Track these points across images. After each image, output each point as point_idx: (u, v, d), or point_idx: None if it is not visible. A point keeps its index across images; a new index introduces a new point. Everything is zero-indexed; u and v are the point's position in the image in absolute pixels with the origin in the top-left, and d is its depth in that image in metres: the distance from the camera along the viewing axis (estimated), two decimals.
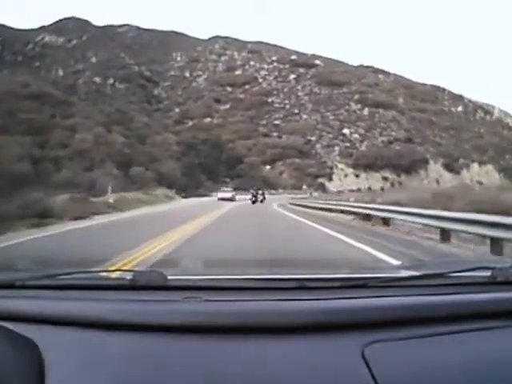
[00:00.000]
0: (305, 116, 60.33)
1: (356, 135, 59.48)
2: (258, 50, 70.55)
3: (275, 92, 62.66)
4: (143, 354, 0.71)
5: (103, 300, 0.89)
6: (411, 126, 62.79)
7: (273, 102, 61.31)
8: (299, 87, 64.72)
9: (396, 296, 0.85)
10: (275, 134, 55.65)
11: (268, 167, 50.61)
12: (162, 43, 68.31)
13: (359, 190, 50.61)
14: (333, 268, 1.54)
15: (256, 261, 3.09)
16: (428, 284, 0.92)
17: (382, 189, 50.43)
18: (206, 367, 0.68)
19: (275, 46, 72.79)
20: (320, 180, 50.94)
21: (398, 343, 0.73)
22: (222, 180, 42.08)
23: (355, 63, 72.67)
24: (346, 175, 54.05)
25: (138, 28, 72.76)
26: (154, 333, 0.75)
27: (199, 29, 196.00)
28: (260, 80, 64.70)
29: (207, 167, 41.74)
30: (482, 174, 63.28)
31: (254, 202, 19.97)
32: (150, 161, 33.23)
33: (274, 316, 0.77)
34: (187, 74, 65.66)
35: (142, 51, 64.53)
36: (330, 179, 52.20)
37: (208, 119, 54.94)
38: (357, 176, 54.51)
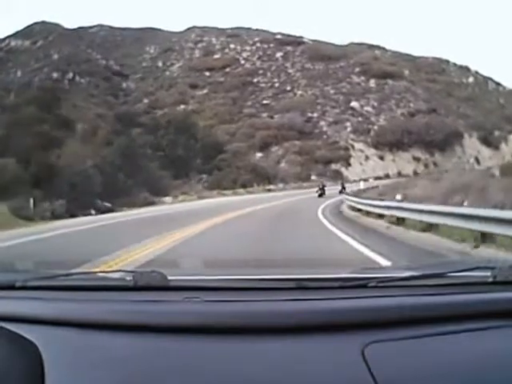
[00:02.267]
0: (300, 92, 62.08)
1: (368, 108, 61.01)
2: (238, 34, 75.72)
3: (261, 71, 65.61)
4: (143, 354, 0.87)
5: (103, 301, 1.09)
6: (429, 96, 66.41)
7: (258, 81, 63.75)
8: (288, 64, 68.00)
9: (396, 296, 1.04)
10: (265, 114, 55.59)
11: (259, 154, 48.85)
12: (136, 39, 74.64)
13: (388, 176, 51.64)
14: (333, 268, 1.82)
15: (256, 261, 3.53)
16: (428, 284, 1.11)
17: (416, 173, 51.00)
18: (206, 367, 0.83)
19: (257, 30, 78.62)
20: (334, 166, 49.66)
21: (397, 343, 0.88)
22: (197, 176, 40.20)
23: (344, 43, 78.44)
24: (366, 157, 53.16)
25: (111, 27, 79.89)
26: (155, 333, 0.91)
27: (175, 23, 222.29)
28: (242, 62, 68.22)
29: (173, 160, 36.43)
30: None
31: (320, 196, 26.06)
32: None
33: (273, 316, 0.94)
34: (160, 64, 70.05)
35: (114, 48, 70.88)
36: (348, 164, 50.76)
37: (182, 106, 56.20)
38: (381, 158, 54.07)
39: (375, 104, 61.15)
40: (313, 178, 45.91)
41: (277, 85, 63.28)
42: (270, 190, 33.69)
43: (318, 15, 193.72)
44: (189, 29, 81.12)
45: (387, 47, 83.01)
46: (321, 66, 67.92)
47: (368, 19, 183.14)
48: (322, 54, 69.02)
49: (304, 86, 62.68)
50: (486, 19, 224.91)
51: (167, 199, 24.45)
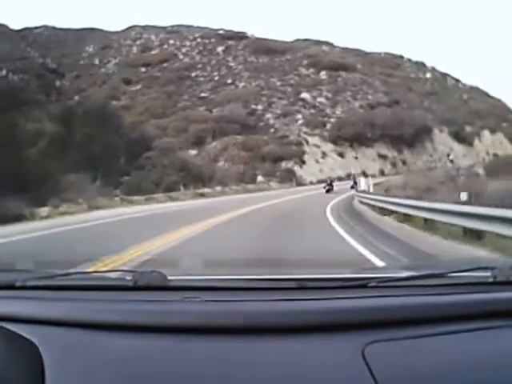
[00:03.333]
0: (242, 83, 65.01)
1: (322, 99, 63.08)
2: (178, 31, 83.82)
3: (200, 66, 70.52)
4: (143, 354, 0.99)
5: (103, 300, 1.24)
6: (389, 89, 70.74)
7: (197, 75, 68.19)
8: (230, 58, 72.75)
9: (396, 296, 1.18)
10: (203, 108, 57.32)
11: (193, 152, 48.19)
12: (77, 39, 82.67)
13: (349, 176, 49.75)
14: (333, 268, 2.11)
15: (256, 261, 4.07)
16: (428, 284, 1.27)
17: (383, 173, 53.25)
18: (206, 367, 0.94)
19: (198, 27, 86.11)
20: (285, 164, 48.69)
21: (397, 343, 1.00)
22: (117, 180, 35.37)
23: (289, 39, 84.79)
24: (324, 154, 53.38)
25: (55, 28, 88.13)
26: (154, 333, 1.05)
27: (118, 23, 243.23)
28: (181, 56, 73.74)
29: (89, 159, 32.55)
30: (496, 145, 71.91)
31: (327, 191, 29.49)
32: None
33: (274, 316, 1.08)
34: (96, 62, 76.36)
35: (55, 47, 78.06)
36: (302, 162, 50.08)
37: (113, 102, 57.93)
38: (341, 155, 54.65)
39: (329, 95, 63.73)
40: (259, 179, 44.85)
41: (216, 78, 66.86)
42: (202, 195, 30.19)
43: (262, 13, 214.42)
44: (130, 27, 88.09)
45: (335, 43, 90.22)
46: (265, 59, 71.53)
47: (313, 17, 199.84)
48: (267, 47, 73.34)
49: (247, 78, 65.84)
50: (439, 16, 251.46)
51: (43, 211, 18.71)
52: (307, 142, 53.55)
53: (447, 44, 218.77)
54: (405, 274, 1.46)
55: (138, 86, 65.60)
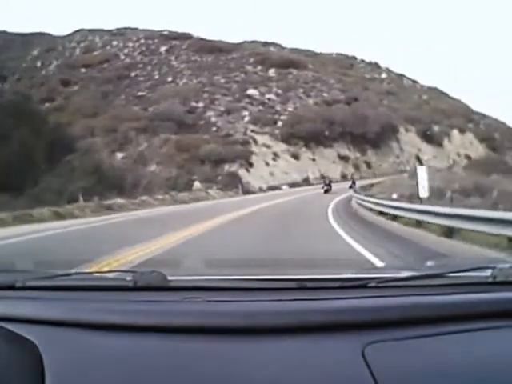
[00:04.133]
0: (184, 80, 68.10)
1: (271, 95, 63.66)
2: (123, 33, 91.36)
3: (140, 65, 75.04)
4: (143, 354, 1.09)
5: (103, 301, 1.37)
6: (344, 87, 73.74)
7: (137, 75, 71.92)
8: (172, 58, 77.33)
9: (396, 296, 1.31)
10: (139, 107, 58.71)
11: (121, 154, 46.59)
12: (24, 43, 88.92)
13: (308, 182, 47.47)
14: (333, 268, 2.31)
15: (256, 261, 4.44)
16: (428, 284, 1.41)
17: (345, 176, 52.97)
18: (206, 367, 1.04)
19: (144, 29, 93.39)
20: (228, 167, 45.97)
21: (398, 343, 1.11)
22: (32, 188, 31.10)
23: (235, 41, 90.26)
24: (275, 155, 51.55)
25: (5, 32, 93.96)
26: (155, 333, 1.15)
27: (66, 27, 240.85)
28: (122, 57, 78.95)
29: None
30: (467, 145, 74.14)
31: (326, 192, 32.84)
32: None
33: (274, 316, 1.19)
34: (38, 64, 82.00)
35: (3, 51, 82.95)
36: (249, 164, 47.50)
37: (47, 104, 60.27)
38: (295, 157, 53.44)
39: (279, 91, 64.83)
40: (197, 185, 41.54)
41: (156, 77, 69.68)
42: (110, 209, 23.12)
43: (209, 16, 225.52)
44: (77, 31, 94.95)
45: (284, 45, 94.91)
46: (210, 58, 75.08)
47: (261, 20, 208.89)
48: (212, 46, 77.96)
49: (189, 75, 68.85)
50: (392, 17, 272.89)
51: None
52: (255, 141, 51.94)
53: (401, 46, 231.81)
54: (405, 274, 1.60)
55: (76, 87, 68.57)
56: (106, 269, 5.86)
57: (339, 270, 1.97)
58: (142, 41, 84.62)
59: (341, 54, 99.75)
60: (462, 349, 1.12)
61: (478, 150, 74.18)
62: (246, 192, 40.38)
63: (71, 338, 1.19)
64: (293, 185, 45.78)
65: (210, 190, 37.45)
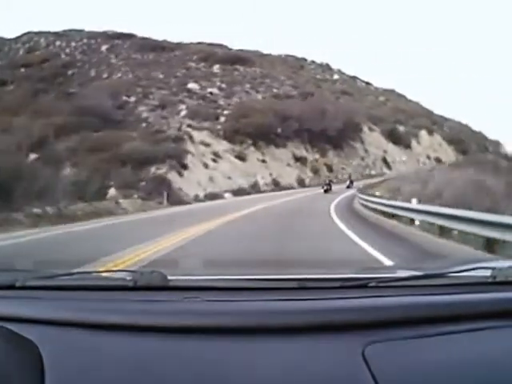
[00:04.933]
0: (119, 75, 68.89)
1: (214, 89, 62.29)
2: (69, 34, 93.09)
3: (79, 64, 76.50)
4: (143, 354, 1.15)
5: (103, 300, 1.45)
6: (297, 83, 73.55)
7: (74, 73, 72.97)
8: (113, 56, 78.63)
9: (396, 296, 1.39)
10: (67, 103, 54.40)
11: (34, 155, 37.66)
12: None
13: (256, 187, 39.16)
14: (333, 268, 2.41)
15: (256, 261, 4.62)
16: (428, 284, 1.50)
17: (302, 183, 49.77)
18: (206, 367, 1.10)
19: (91, 31, 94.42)
20: (155, 170, 38.52)
21: (397, 343, 1.17)
22: None
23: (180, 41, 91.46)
24: (216, 156, 45.29)
25: None
26: (155, 333, 1.22)
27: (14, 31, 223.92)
28: (63, 56, 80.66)
29: None
30: (436, 148, 73.38)
31: (326, 191, 36.46)
32: None
33: (274, 316, 1.26)
34: None
35: None
36: (183, 167, 40.12)
37: None
38: (241, 158, 47.32)
39: (223, 86, 64.04)
40: (112, 193, 33.43)
41: (93, 74, 70.53)
42: None
43: (155, 17, 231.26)
44: (25, 34, 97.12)
45: (230, 46, 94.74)
46: (151, 56, 76.66)
47: (208, 23, 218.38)
48: (155, 44, 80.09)
49: (125, 71, 69.12)
50: (342, 19, 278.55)
51: None
52: (191, 137, 45.56)
53: (354, 48, 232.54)
54: (405, 274, 1.71)
55: (12, 87, 68.18)
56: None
57: (340, 269, 2.05)
58: (85, 40, 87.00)
59: (290, 55, 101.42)
60: (462, 349, 1.18)
61: (448, 153, 74.09)
62: (177, 202, 31.51)
63: (71, 338, 1.25)
64: (238, 192, 40.10)
65: (121, 200, 28.59)
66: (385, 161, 63.57)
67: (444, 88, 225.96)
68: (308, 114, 52.98)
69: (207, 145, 45.40)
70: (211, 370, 1.11)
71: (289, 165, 50.91)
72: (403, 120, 74.05)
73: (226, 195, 38.01)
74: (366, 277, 1.63)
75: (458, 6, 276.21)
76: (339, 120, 55.21)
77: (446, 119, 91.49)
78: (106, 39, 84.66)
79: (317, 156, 55.25)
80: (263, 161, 48.56)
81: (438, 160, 68.25)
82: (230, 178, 42.45)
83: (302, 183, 49.01)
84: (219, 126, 49.66)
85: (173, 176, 37.96)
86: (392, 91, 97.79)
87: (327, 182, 38.60)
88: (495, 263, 1.77)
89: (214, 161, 44.16)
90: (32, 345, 1.20)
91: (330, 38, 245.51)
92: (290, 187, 45.02)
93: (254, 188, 42.17)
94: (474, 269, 1.58)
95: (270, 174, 47.00)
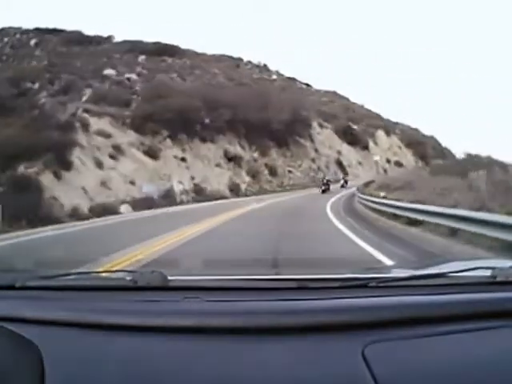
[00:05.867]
0: (34, 63, 66.08)
1: (132, 75, 58.35)
2: (7, 31, 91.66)
3: (4, 57, 74.52)
4: (143, 354, 1.23)
5: (103, 301, 1.52)
6: (233, 76, 71.65)
7: None
8: (38, 49, 76.86)
9: (396, 296, 1.46)
10: None
11: None
12: None
13: (169, 197, 31.64)
14: (333, 268, 2.42)
15: (256, 261, 4.63)
16: (428, 284, 1.57)
17: (236, 190, 40.95)
18: (206, 368, 1.17)
19: (27, 29, 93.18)
20: (24, 169, 27.66)
21: (398, 343, 1.24)
22: None
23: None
24: (117, 150, 35.57)
25: None
26: (155, 333, 1.30)
27: None
28: None
29: None
30: (396, 150, 69.70)
31: (323, 191, 36.59)
32: None
33: (274, 316, 1.33)
34: None
35: None
36: (65, 165, 29.84)
37: None
38: (152, 155, 37.72)
39: (145, 72, 60.85)
40: None
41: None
42: None
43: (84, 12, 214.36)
44: None
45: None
46: (78, 49, 73.29)
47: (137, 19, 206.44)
48: (82, 38, 78.10)
49: (41, 61, 65.20)
50: (279, 20, 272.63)
51: None
52: (86, 125, 35.37)
53: (291, 51, 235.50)
54: (405, 274, 1.76)
55: None
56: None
57: (339, 269, 2.11)
58: (18, 36, 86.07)
59: (226, 55, 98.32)
60: (462, 349, 1.24)
61: (408, 157, 70.70)
62: (39, 220, 19.95)
63: (71, 338, 1.31)
64: (143, 203, 29.57)
65: None
66: (340, 164, 59.49)
67: (388, 92, 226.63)
68: (246, 102, 46.19)
69: (107, 135, 36.24)
70: (211, 370, 1.16)
71: (218, 165, 42.74)
72: (357, 118, 71.77)
73: (123, 208, 27.68)
74: (366, 277, 1.70)
75: (398, 7, 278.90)
76: (285, 111, 49.57)
77: (394, 122, 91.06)
78: (36, 34, 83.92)
79: (256, 155, 48.06)
80: (183, 159, 39.85)
81: (399, 164, 65.49)
82: (132, 182, 32.81)
83: (235, 190, 41.17)
84: (127, 113, 40.97)
85: (47, 178, 27.66)
86: (334, 93, 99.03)
87: (325, 181, 38.21)
88: (495, 263, 1.85)
89: (113, 157, 35.05)
90: (32, 345, 1.26)
91: (267, 41, 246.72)
92: (220, 196, 36.79)
93: (167, 198, 32.21)
94: (474, 269, 1.66)
95: (192, 178, 38.33)
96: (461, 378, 1.13)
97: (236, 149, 46.04)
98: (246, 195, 39.09)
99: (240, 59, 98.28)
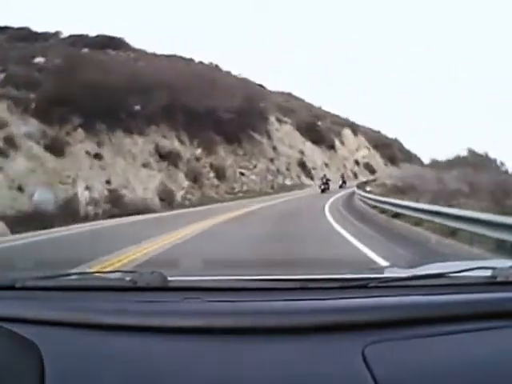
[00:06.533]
0: None
1: (60, 61, 51.28)
2: None
3: None
4: (143, 355, 1.29)
5: (103, 301, 1.60)
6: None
7: None
8: None
9: (396, 296, 1.53)
10: None
11: None
12: None
13: (71, 209, 22.39)
14: (333, 268, 2.54)
15: (256, 261, 4.75)
16: (428, 284, 1.63)
17: (170, 200, 31.78)
18: (206, 368, 1.24)
19: None
20: None
21: (398, 343, 1.31)
22: None
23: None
24: (8, 144, 24.34)
25: None
26: (154, 334, 1.37)
27: None
28: None
29: None
30: (364, 151, 65.74)
31: (323, 191, 37.48)
32: None
33: (274, 316, 1.40)
34: None
35: None
36: None
37: None
38: (56, 152, 27.20)
39: None
40: None
41: None
42: None
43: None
44: None
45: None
46: (22, 45, 66.49)
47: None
48: (32, 34, 72.71)
49: None
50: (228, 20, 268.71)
51: None
52: None
53: (242, 52, 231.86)
54: (405, 274, 1.82)
55: None
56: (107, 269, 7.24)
57: (340, 270, 2.21)
58: None
59: (176, 55, 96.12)
60: (461, 349, 1.30)
61: (377, 159, 66.83)
62: None
63: (71, 338, 1.38)
64: (31, 218, 18.66)
65: None
66: (303, 165, 55.64)
67: (346, 93, 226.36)
68: (188, 84, 38.64)
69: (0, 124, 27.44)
70: (211, 371, 1.23)
71: (147, 165, 32.94)
72: (320, 115, 67.21)
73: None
74: (366, 277, 1.78)
75: (351, 7, 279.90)
76: (237, 97, 42.18)
77: (356, 124, 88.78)
78: None
79: (199, 152, 39.21)
80: (97, 156, 29.97)
81: (369, 167, 61.92)
82: (21, 188, 23.14)
83: (168, 198, 31.25)
84: (34, 95, 31.36)
85: None
86: (289, 94, 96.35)
87: (324, 180, 37.37)
88: (495, 263, 1.93)
89: (1, 153, 25.06)
90: (32, 345, 1.32)
91: (218, 42, 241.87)
92: (144, 207, 25.90)
93: (66, 209, 22.85)
94: (474, 269, 1.73)
95: (107, 182, 28.04)
96: (461, 378, 1.19)
97: (173, 143, 36.91)
98: (184, 205, 30.15)
99: (191, 59, 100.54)
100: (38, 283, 1.75)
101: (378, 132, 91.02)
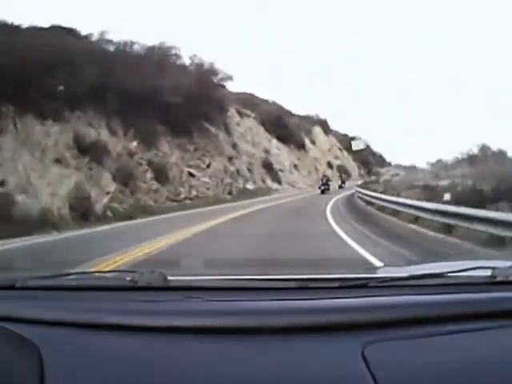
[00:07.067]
0: None
1: None
2: None
3: None
4: (143, 354, 1.33)
5: (103, 301, 1.64)
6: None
7: None
8: None
9: (395, 295, 1.58)
10: None
11: None
12: None
13: None
14: (333, 268, 2.61)
15: (256, 261, 4.81)
16: (428, 284, 1.68)
17: (83, 209, 23.62)
18: (206, 368, 1.28)
19: None
20: None
21: (398, 343, 1.35)
22: None
23: None
24: None
25: None
26: (155, 333, 1.41)
27: None
28: None
29: None
30: (336, 153, 65.25)
31: (323, 192, 37.10)
32: None
33: (274, 316, 1.44)
34: None
35: None
36: None
37: None
38: None
39: None
40: None
41: None
42: None
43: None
44: None
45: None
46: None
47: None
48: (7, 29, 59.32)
49: None
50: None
51: None
52: None
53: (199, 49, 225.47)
54: (405, 273, 1.83)
55: None
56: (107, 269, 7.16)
57: (339, 269, 2.23)
58: None
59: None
60: (461, 349, 1.33)
61: (350, 162, 66.55)
62: None
63: (71, 338, 1.41)
64: None
65: None
66: (268, 167, 50.81)
67: (311, 95, 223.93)
68: (125, 60, 30.95)
69: None
70: (211, 370, 1.26)
71: (61, 160, 23.72)
72: (286, 113, 63.79)
73: None
74: (366, 277, 1.84)
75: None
76: (190, 78, 35.33)
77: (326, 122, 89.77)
78: None
79: (134, 145, 30.94)
80: None
81: (345, 171, 59.53)
82: None
83: (83, 208, 20.97)
84: None
85: None
86: (251, 95, 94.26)
87: (324, 180, 36.31)
88: (495, 263, 1.96)
89: None
90: (32, 345, 1.35)
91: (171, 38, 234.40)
92: (42, 222, 16.97)
93: None
94: (473, 268, 1.76)
95: (1, 183, 19.39)
96: (460, 378, 1.22)
97: (99, 133, 28.06)
98: (106, 218, 20.99)
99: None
100: (38, 283, 1.78)
101: (346, 135, 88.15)
